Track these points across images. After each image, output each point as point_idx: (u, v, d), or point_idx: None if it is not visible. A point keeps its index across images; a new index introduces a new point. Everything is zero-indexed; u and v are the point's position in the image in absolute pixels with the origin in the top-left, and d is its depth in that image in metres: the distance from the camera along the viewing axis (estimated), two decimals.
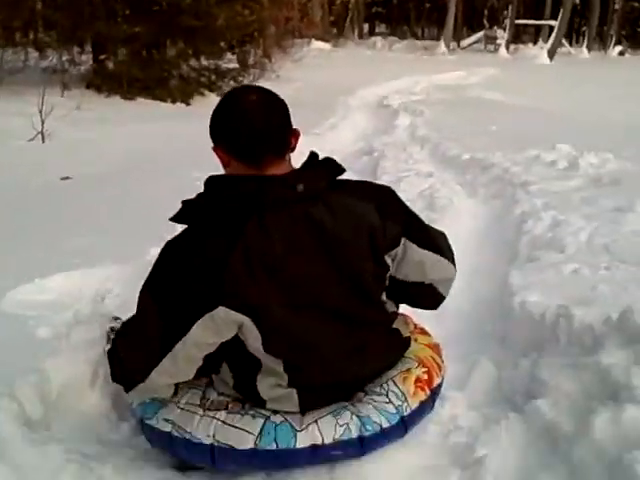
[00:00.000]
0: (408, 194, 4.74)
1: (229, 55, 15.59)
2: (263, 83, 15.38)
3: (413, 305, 2.19)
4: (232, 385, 1.94)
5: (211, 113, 1.89)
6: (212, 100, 13.51)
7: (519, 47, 29.66)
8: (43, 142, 7.78)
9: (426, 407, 2.01)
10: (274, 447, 1.80)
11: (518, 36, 32.37)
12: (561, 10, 27.10)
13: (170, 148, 7.53)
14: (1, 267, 3.41)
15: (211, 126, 1.88)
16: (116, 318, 2.54)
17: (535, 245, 3.46)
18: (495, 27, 31.30)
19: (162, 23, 12.63)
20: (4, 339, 2.55)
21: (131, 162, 6.67)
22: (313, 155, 1.93)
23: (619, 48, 30.60)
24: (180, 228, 1.91)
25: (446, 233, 2.15)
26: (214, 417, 1.87)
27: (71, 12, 12.46)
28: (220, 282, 1.72)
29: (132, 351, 1.91)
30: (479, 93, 13.08)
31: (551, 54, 25.82)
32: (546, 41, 28.02)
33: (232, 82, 14.36)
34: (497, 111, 10.28)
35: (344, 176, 1.96)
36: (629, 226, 3.63)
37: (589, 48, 29.74)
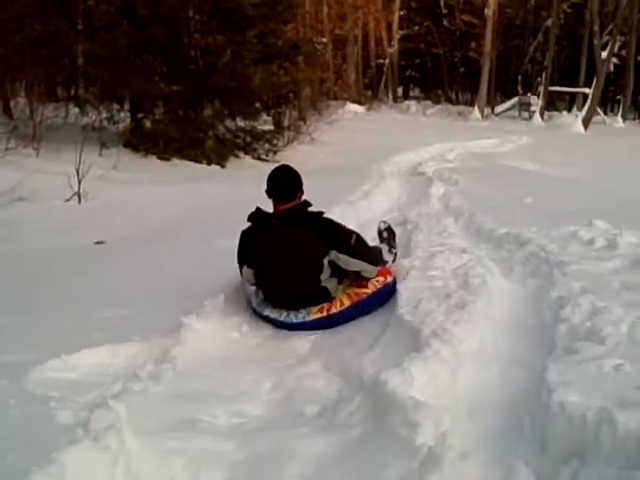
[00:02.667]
0: (442, 271, 4.68)
1: (264, 117, 15.71)
2: (298, 146, 15.57)
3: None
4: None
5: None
6: (247, 162, 13.65)
7: (553, 115, 29.73)
8: (79, 203, 7.86)
9: (321, 321, 4.02)
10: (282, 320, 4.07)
11: (552, 103, 32.47)
12: (595, 78, 27.13)
13: (204, 212, 7.57)
14: (28, 339, 3.38)
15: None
16: None
17: (574, 335, 3.33)
18: (529, 93, 31.40)
19: (198, 82, 12.84)
20: (23, 422, 2.49)
21: (164, 227, 6.70)
22: (301, 205, 4.12)
23: None
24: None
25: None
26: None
27: (111, 68, 12.74)
28: (246, 255, 4.14)
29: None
30: (513, 162, 13.05)
31: (586, 123, 25.86)
32: (580, 109, 28.07)
33: (267, 145, 14.50)
34: (532, 182, 10.22)
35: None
36: None
37: (624, 117, 29.69)
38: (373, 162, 12.08)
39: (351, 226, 7.03)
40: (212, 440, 2.72)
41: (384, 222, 5.77)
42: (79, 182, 7.96)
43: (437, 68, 39.96)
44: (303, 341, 3.82)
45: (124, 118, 14.39)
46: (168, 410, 2.91)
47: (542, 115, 28.04)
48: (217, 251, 5.45)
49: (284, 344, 3.82)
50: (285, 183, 4.09)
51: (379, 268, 4.32)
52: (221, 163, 13.14)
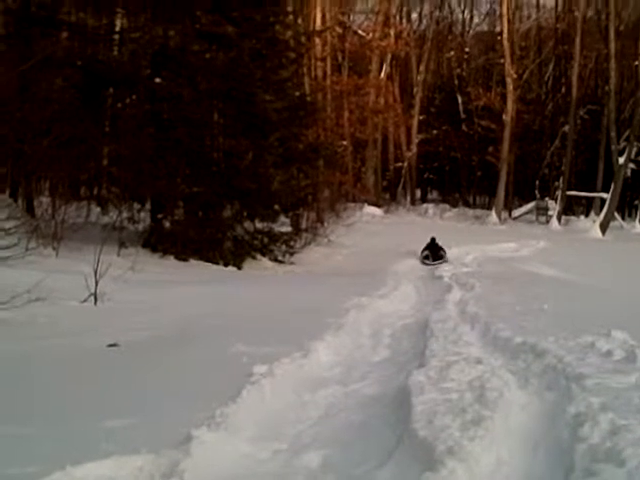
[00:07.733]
0: (457, 384, 4.59)
1: (282, 218, 15.83)
2: (315, 248, 15.66)
3: None
4: None
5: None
6: (263, 264, 13.67)
7: (570, 219, 29.73)
8: (95, 304, 7.86)
9: (439, 263, 14.83)
10: None
11: (570, 207, 32.54)
12: (613, 183, 27.28)
13: (220, 315, 7.55)
14: (33, 450, 3.32)
15: None
16: None
17: (593, 456, 3.23)
18: (546, 197, 31.54)
19: (220, 184, 13.03)
20: None
21: (179, 331, 6.66)
22: (437, 243, 15.76)
23: None
24: None
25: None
26: None
27: (134, 169, 12.98)
28: (425, 250, 15.67)
29: None
30: (531, 267, 13.04)
31: (603, 227, 25.87)
32: (598, 213, 28.11)
33: (284, 246, 14.57)
34: (549, 287, 10.17)
35: None
36: None
37: None
38: (389, 265, 12.13)
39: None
40: None
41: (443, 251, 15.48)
42: (96, 283, 7.98)
43: (455, 171, 40.37)
44: (314, 455, 3.71)
45: (144, 218, 14.53)
46: None
47: (559, 219, 28.11)
48: (230, 357, 5.42)
49: (295, 459, 3.69)
50: (435, 240, 15.29)
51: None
52: (238, 264, 13.14)
